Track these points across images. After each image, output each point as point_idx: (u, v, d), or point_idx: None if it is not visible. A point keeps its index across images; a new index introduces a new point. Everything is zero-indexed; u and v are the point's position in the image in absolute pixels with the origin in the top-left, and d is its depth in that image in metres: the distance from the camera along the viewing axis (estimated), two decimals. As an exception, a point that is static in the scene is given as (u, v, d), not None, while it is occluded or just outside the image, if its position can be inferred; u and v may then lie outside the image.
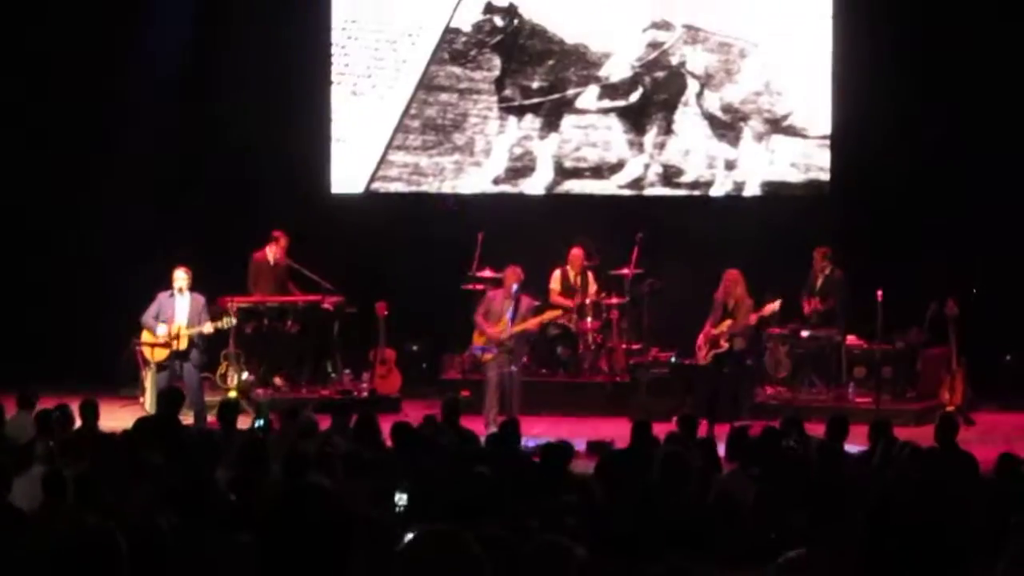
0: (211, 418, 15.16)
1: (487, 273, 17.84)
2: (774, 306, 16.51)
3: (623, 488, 8.66)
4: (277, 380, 18.19)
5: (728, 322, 16.13)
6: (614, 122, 19.85)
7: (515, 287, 15.82)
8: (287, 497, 3.57)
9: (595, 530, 8.00)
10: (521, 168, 19.99)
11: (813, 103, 19.33)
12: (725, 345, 16.14)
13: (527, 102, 19.98)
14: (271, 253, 18.21)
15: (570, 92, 19.91)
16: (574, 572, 5.29)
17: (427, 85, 20.12)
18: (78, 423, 12.08)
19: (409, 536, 3.43)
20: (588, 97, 19.89)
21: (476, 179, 20.06)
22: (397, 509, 8.37)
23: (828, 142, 19.33)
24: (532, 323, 16.22)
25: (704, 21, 19.58)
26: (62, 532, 4.73)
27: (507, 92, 20.03)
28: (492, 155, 20.04)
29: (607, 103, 19.87)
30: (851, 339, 17.54)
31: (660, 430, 11.91)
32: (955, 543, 3.11)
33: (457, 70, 20.08)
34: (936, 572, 3.03)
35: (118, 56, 19.40)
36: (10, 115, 19.41)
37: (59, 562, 4.97)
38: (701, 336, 16.45)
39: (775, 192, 19.44)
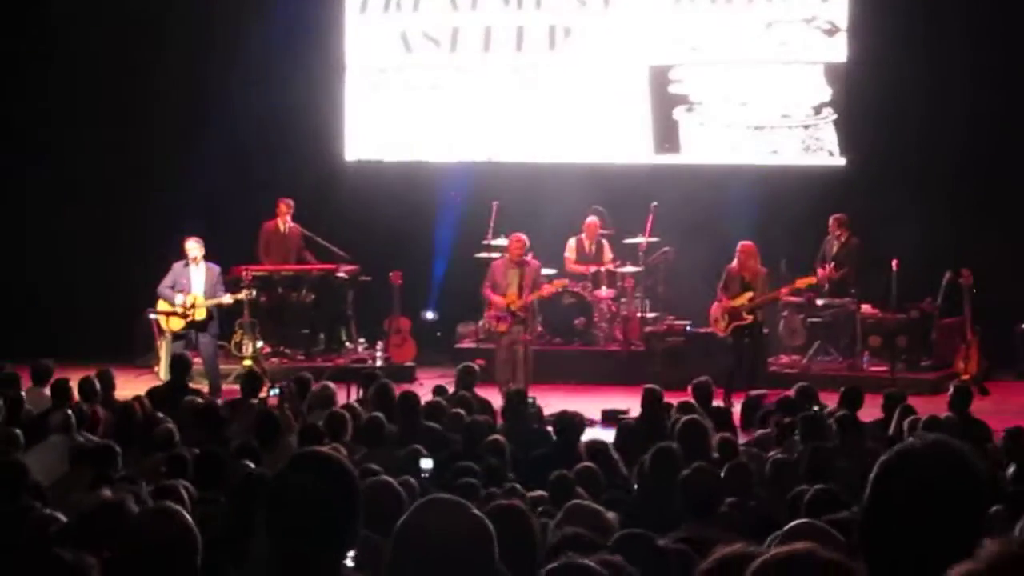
0: (227, 387, 15.22)
1: (502, 242, 17.81)
2: (811, 279, 16.41)
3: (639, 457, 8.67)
4: (290, 350, 18.24)
5: (748, 294, 15.92)
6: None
7: (519, 255, 15.77)
8: (292, 463, 3.60)
9: (614, 498, 8.05)
10: (537, 137, 19.95)
11: (826, 76, 19.27)
12: (748, 318, 15.95)
13: (542, 72, 19.93)
14: (281, 222, 18.21)
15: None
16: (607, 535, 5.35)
17: (444, 53, 20.07)
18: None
19: (413, 506, 3.46)
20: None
21: (491, 147, 20.00)
22: (424, 475, 8.42)
23: (844, 113, 19.25)
24: (546, 290, 16.16)
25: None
26: (82, 504, 4.79)
27: (522, 62, 19.98)
28: (507, 124, 20.00)
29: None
30: (866, 308, 17.51)
31: (675, 399, 11.95)
32: (968, 513, 3.01)
33: (473, 39, 20.01)
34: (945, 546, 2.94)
35: (131, 26, 19.42)
36: (20, 88, 19.42)
37: (77, 533, 5.04)
38: (716, 308, 16.24)
39: (789, 162, 19.36)
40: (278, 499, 3.50)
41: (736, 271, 16.01)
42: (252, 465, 8.26)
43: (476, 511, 3.42)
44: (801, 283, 16.32)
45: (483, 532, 3.36)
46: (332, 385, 12.45)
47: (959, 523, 2.94)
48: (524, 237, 15.94)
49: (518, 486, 8.18)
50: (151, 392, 12.40)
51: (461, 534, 3.31)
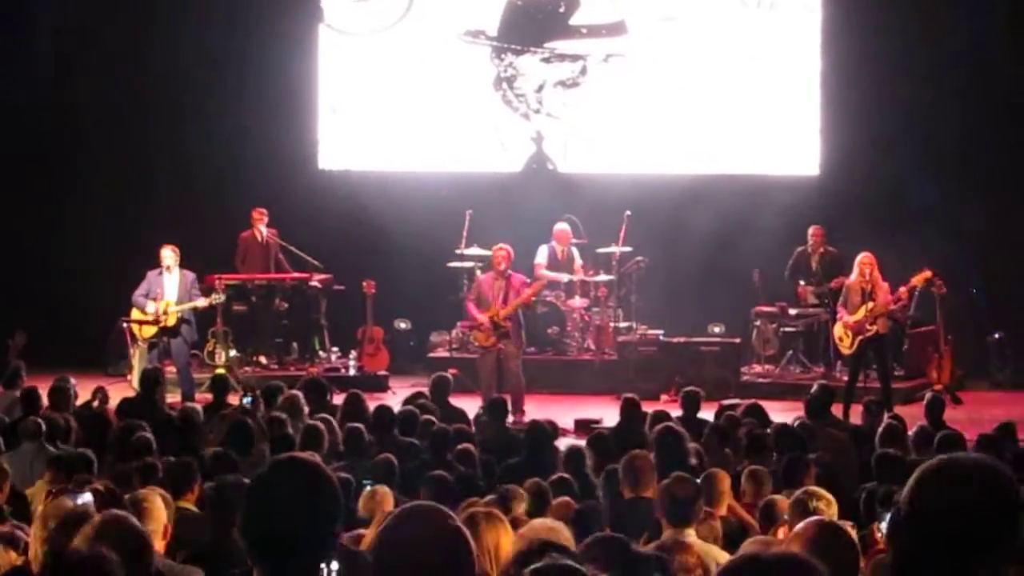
0: (199, 395, 15.17)
1: (475, 250, 17.81)
2: (926, 274, 15.75)
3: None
4: (263, 358, 18.20)
5: (869, 305, 15.31)
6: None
7: (504, 267, 15.58)
8: (271, 469, 3.55)
9: (589, 507, 8.03)
10: (510, 146, 19.95)
11: (803, 92, 19.34)
12: (872, 329, 15.37)
13: (518, 79, 19.93)
14: (257, 232, 18.17)
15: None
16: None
17: (418, 63, 20.04)
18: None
19: (392, 514, 3.43)
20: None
21: (465, 156, 19.98)
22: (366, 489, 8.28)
23: (818, 125, 19.30)
24: (525, 296, 15.80)
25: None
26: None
27: (498, 71, 19.97)
28: (481, 133, 19.99)
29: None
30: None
31: (648, 408, 11.93)
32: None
33: (449, 48, 19.98)
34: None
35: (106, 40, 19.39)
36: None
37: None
38: (840, 327, 15.60)
39: (764, 171, 19.39)
40: (256, 505, 3.44)
41: (856, 285, 15.40)
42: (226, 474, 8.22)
43: (454, 518, 3.40)
44: (917, 280, 15.73)
45: (461, 540, 3.35)
46: (300, 394, 12.35)
47: (993, 532, 2.97)
48: (508, 248, 15.76)
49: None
50: (120, 405, 12.33)
51: (441, 542, 3.29)
